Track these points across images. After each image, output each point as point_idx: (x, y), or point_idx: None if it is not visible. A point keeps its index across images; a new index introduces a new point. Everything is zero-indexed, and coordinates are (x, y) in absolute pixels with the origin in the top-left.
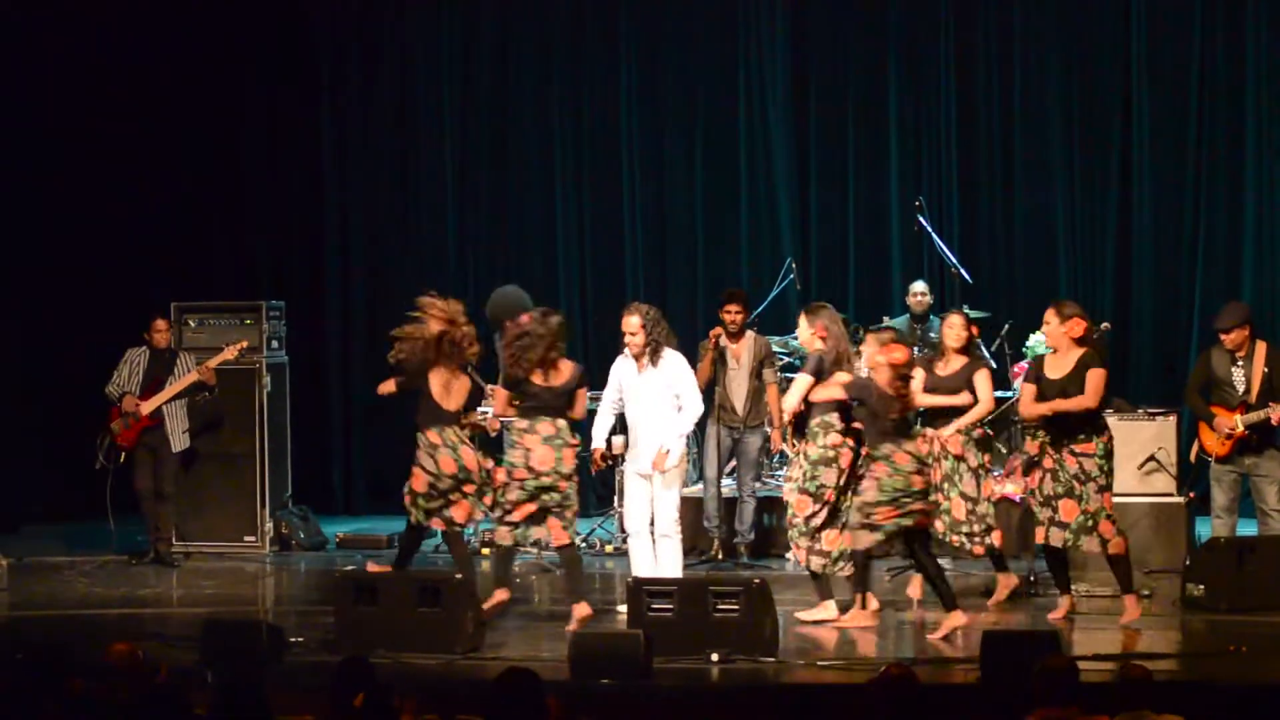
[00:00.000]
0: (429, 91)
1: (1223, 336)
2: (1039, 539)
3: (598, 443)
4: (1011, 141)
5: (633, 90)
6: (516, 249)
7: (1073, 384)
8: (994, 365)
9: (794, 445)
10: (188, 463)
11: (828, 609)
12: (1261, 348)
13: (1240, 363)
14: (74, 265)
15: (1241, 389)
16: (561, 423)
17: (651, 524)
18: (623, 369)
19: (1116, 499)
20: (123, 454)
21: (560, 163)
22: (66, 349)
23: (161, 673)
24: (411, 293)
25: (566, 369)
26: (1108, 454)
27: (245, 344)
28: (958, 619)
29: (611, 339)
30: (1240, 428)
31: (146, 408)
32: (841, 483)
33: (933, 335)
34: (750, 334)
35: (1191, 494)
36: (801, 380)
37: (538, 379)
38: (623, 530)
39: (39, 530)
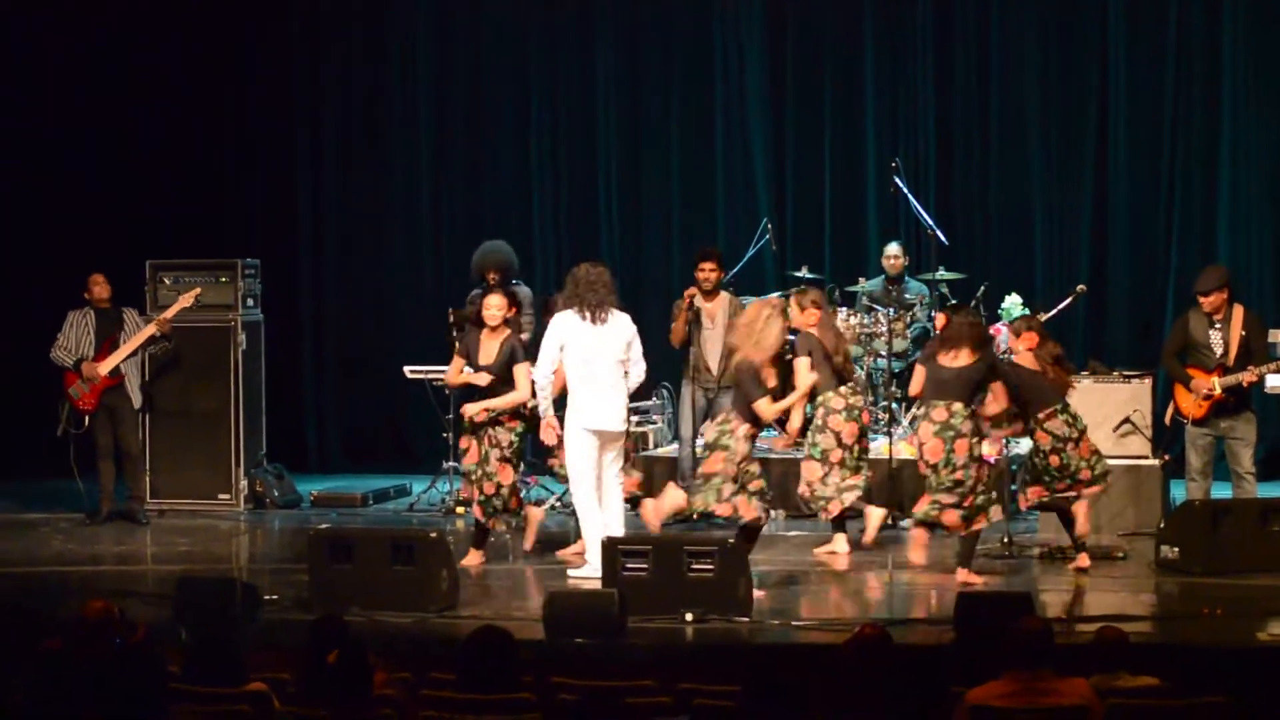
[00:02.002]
0: (404, 51)
1: (1201, 299)
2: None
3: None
4: (988, 104)
5: (609, 51)
6: (491, 208)
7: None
8: None
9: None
10: (156, 419)
11: None
12: (1239, 311)
13: (1218, 326)
14: (43, 225)
15: (1219, 352)
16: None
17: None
18: (576, 325)
19: None
20: (85, 418)
21: (536, 121)
22: (38, 308)
23: (140, 631)
24: (385, 251)
25: None
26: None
27: (199, 291)
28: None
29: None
30: (1218, 390)
31: (104, 368)
32: None
33: (908, 297)
34: (725, 294)
35: (1166, 456)
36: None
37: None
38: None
39: (10, 489)
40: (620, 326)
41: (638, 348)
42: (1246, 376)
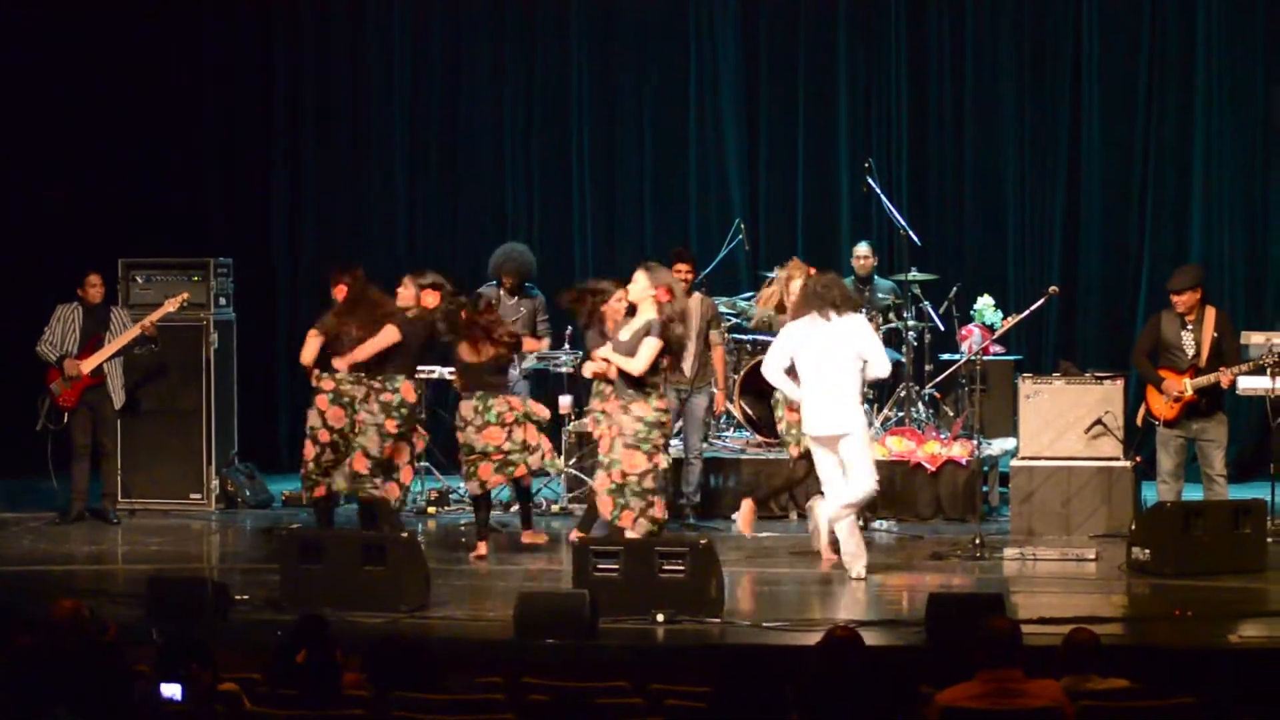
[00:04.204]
0: (381, 47)
1: (1174, 298)
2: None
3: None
4: (961, 104)
5: (583, 50)
6: (465, 208)
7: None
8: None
9: (740, 406)
10: (128, 418)
11: None
12: (1211, 312)
13: (1190, 327)
14: (16, 221)
15: (1190, 353)
16: None
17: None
18: (807, 330)
19: (1065, 462)
20: (65, 415)
21: (510, 123)
22: (7, 306)
23: (111, 631)
24: (360, 249)
25: None
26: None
27: (186, 296)
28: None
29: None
30: (1189, 391)
31: (87, 366)
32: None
33: (880, 297)
34: (697, 295)
35: (1138, 458)
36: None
37: None
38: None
39: None
40: (843, 321)
41: (872, 343)
42: (1219, 378)
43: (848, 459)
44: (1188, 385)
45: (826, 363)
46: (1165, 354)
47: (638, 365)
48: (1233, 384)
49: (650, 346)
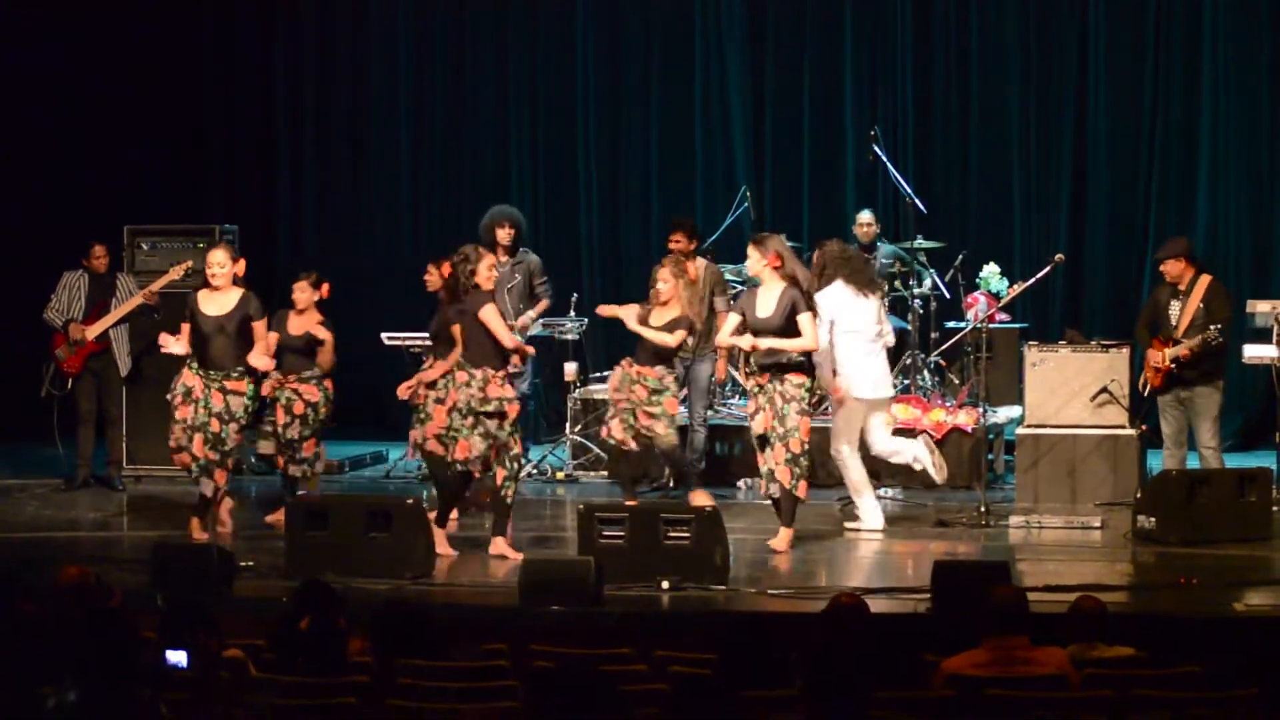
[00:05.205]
0: (385, 35)
1: (1161, 268)
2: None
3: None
4: (967, 71)
5: (589, 20)
6: (469, 176)
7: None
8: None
9: (745, 374)
10: (132, 385)
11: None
12: (1204, 282)
13: (1180, 296)
14: (20, 189)
15: (1174, 323)
16: None
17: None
18: (850, 298)
19: (1070, 430)
20: (69, 380)
21: (514, 92)
22: (12, 272)
23: (117, 597)
24: (362, 217)
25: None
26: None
27: (190, 264)
28: None
29: (569, 268)
30: (1166, 361)
31: (92, 332)
32: None
33: (884, 262)
34: (700, 262)
35: (1143, 426)
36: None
37: None
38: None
39: None
40: (876, 300)
41: (885, 316)
42: (1180, 351)
43: (877, 422)
44: (1165, 355)
45: (869, 332)
46: (1161, 323)
47: (810, 342)
48: (1222, 351)
49: (809, 320)
